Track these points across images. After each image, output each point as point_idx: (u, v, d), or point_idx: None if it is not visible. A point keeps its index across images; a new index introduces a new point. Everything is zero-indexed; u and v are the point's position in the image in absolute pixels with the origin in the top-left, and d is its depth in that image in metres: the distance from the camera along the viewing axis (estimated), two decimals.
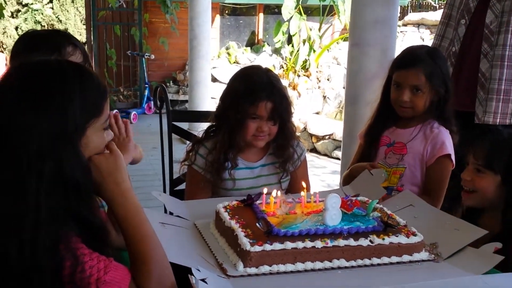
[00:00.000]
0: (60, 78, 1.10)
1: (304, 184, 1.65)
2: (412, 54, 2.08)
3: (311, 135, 6.75)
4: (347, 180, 2.06)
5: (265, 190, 1.60)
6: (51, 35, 1.92)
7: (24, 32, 2.07)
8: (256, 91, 1.90)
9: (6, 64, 11.76)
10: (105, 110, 1.16)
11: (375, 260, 1.41)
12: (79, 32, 13.31)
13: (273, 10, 9.54)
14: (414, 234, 1.47)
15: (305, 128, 6.81)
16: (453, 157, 2.03)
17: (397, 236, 1.44)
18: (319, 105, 7.82)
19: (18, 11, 13.54)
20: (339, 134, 6.14)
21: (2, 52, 12.34)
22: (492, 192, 1.67)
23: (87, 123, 1.11)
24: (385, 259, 1.41)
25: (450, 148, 2.02)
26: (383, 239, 1.42)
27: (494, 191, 1.67)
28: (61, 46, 1.80)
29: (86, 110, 1.10)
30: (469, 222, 1.63)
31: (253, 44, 9.48)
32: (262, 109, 1.90)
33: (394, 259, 1.42)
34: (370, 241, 1.41)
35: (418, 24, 9.54)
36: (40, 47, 1.74)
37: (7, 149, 1.03)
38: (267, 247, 1.33)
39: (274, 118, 1.93)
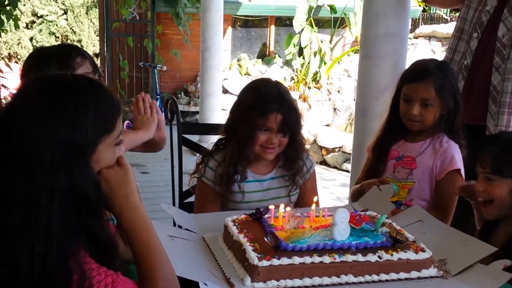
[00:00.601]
0: (74, 92, 1.10)
1: (315, 199, 1.65)
2: (422, 67, 2.07)
3: (321, 148, 6.74)
4: (356, 195, 2.04)
5: (272, 207, 1.60)
6: (59, 49, 1.96)
7: (34, 48, 2.11)
8: (266, 103, 1.91)
9: (20, 75, 11.91)
10: (118, 126, 1.16)
11: (383, 276, 1.40)
12: (92, 43, 13.48)
13: (285, 22, 9.58)
14: (423, 250, 1.46)
15: (315, 141, 6.80)
16: (462, 172, 2.02)
17: (405, 252, 1.43)
18: (330, 117, 7.81)
19: (33, 22, 13.75)
20: (349, 147, 6.11)
21: (17, 63, 12.50)
22: (509, 197, 1.65)
23: (99, 139, 1.12)
24: (394, 275, 1.40)
25: (459, 163, 2.01)
26: (392, 254, 1.42)
27: (511, 196, 1.65)
28: (70, 58, 1.83)
29: (99, 125, 1.11)
30: (486, 231, 1.60)
31: (264, 56, 9.51)
32: (272, 121, 1.90)
33: (403, 275, 1.41)
34: (379, 256, 1.41)
35: (429, 37, 9.52)
36: (50, 62, 1.78)
37: (21, 162, 1.04)
38: (275, 261, 1.33)
39: (284, 130, 1.93)
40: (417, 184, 2.05)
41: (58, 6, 13.77)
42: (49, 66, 1.71)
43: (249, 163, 2.00)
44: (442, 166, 2.03)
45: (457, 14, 2.89)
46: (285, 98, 1.94)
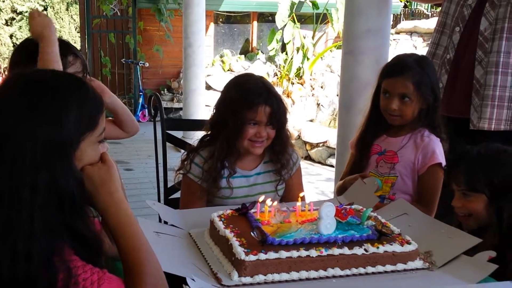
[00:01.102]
0: (56, 89, 1.09)
1: (301, 194, 1.66)
2: (401, 62, 2.08)
3: (305, 143, 6.76)
4: (340, 191, 2.05)
5: (261, 198, 1.60)
6: None
7: (21, 40, 2.06)
8: (253, 97, 1.90)
9: (0, 73, 11.74)
10: (100, 123, 1.15)
11: (370, 269, 1.41)
12: (73, 40, 13.32)
13: (267, 18, 9.58)
14: (409, 243, 1.47)
15: (299, 136, 6.82)
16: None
17: (391, 245, 1.45)
18: (313, 112, 7.83)
19: (13, 19, 13.54)
20: (333, 142, 6.15)
21: None
22: (485, 211, 1.67)
23: (82, 136, 1.11)
24: (380, 268, 1.41)
25: (441, 157, 2.02)
26: (378, 247, 1.43)
27: (487, 210, 1.67)
28: (62, 55, 1.79)
29: (81, 122, 1.10)
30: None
31: (247, 52, 9.50)
32: (261, 114, 1.90)
33: (389, 267, 1.42)
34: (365, 249, 1.42)
35: (411, 32, 9.60)
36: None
37: (2, 160, 1.02)
38: (262, 256, 1.33)
39: (272, 123, 1.93)
40: (400, 178, 2.07)
41: (37, 3, 13.58)
42: (37, 62, 1.67)
43: (238, 158, 2.00)
44: (423, 160, 2.04)
45: (438, 9, 2.91)
46: (271, 90, 1.95)
